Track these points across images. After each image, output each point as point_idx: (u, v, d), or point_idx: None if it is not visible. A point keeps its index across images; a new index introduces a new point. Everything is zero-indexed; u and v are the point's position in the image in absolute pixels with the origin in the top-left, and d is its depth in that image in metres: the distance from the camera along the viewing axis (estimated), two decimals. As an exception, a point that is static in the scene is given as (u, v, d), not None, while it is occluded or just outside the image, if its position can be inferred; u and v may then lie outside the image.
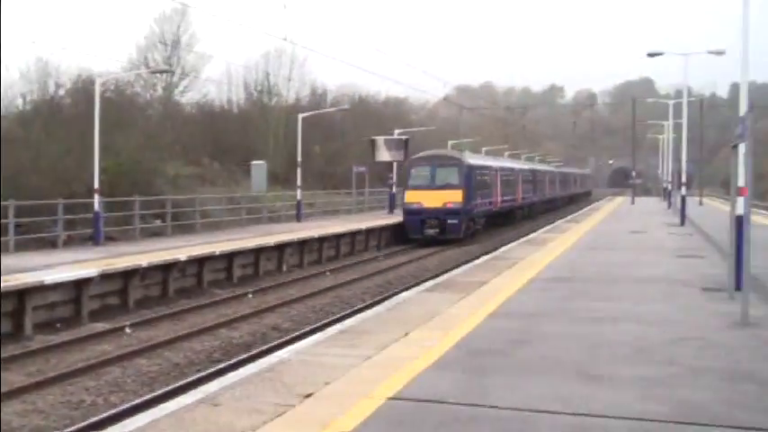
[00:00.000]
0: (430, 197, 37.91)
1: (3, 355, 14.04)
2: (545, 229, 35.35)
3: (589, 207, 63.38)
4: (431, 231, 37.67)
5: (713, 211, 46.86)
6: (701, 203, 62.07)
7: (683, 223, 35.39)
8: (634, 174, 72.48)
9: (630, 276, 16.87)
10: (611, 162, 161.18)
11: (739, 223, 12.03)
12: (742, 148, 11.75)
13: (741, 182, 11.99)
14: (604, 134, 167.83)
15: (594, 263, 19.63)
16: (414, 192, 38.50)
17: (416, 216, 37.88)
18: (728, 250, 13.40)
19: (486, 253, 26.21)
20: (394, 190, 48.14)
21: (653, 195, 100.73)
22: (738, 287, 11.94)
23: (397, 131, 51.34)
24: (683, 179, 39.46)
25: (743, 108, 12.23)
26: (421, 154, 41.16)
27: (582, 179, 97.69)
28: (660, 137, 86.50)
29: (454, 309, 12.71)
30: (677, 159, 46.23)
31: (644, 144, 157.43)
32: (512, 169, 53.53)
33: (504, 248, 25.49)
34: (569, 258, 20.97)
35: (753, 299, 12.66)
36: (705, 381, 8.11)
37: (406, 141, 46.16)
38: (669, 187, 59.53)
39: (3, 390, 11.79)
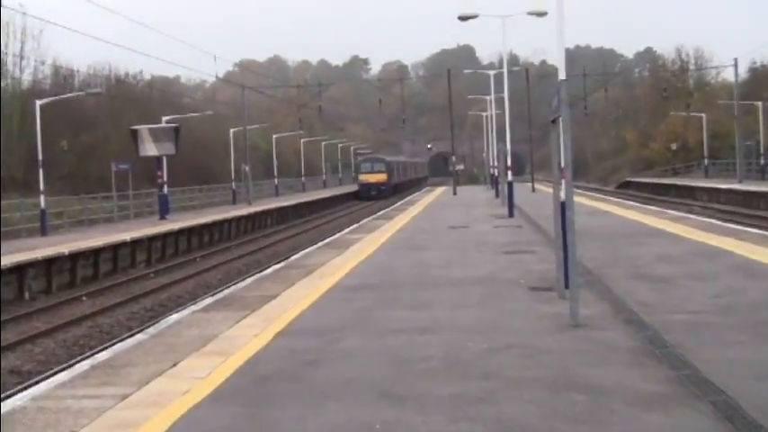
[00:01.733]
0: (372, 177, 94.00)
1: None
2: (351, 227, 35.84)
3: (403, 201, 64.70)
4: (373, 193, 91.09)
5: (547, 199, 48.79)
6: (533, 190, 64.61)
7: (511, 214, 36.70)
8: (454, 159, 74.35)
9: (448, 279, 17.34)
10: (429, 146, 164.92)
11: (563, 211, 12.56)
12: (560, 123, 12.27)
13: (562, 162, 12.52)
14: (419, 113, 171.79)
15: (406, 265, 20.04)
16: (364, 175, 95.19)
17: (366, 187, 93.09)
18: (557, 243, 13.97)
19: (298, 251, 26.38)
20: (165, 190, 47.55)
21: (481, 183, 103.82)
22: (568, 284, 12.47)
23: (165, 119, 50.82)
24: (509, 162, 40.84)
25: (561, 76, 12.76)
26: (364, 157, 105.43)
27: (422, 166, 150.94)
28: (484, 114, 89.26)
29: (236, 329, 12.71)
30: (504, 140, 47.78)
31: (466, 123, 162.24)
32: (398, 162, 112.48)
33: (298, 255, 25.65)
34: (377, 261, 21.34)
35: (585, 296, 13.31)
36: (527, 393, 8.46)
37: (177, 130, 45.74)
38: (496, 173, 61.42)
39: None
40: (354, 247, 25.70)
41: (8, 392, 14.94)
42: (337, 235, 32.99)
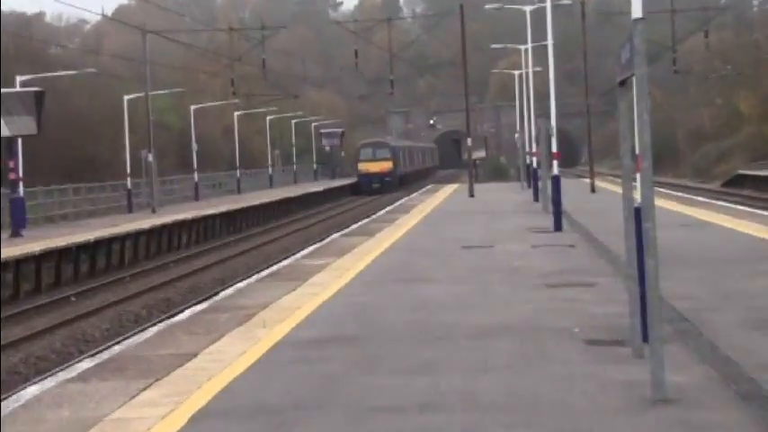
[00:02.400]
0: (374, 166, 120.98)
1: None
2: (311, 249, 35.88)
3: (394, 205, 64.86)
4: (376, 186, 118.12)
5: (613, 204, 48.78)
6: (593, 190, 64.73)
7: (558, 227, 36.69)
8: (470, 142, 74.07)
9: (462, 326, 17.36)
10: (431, 122, 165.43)
11: (638, 222, 12.46)
12: (635, 86, 12.20)
13: (636, 146, 12.42)
14: (416, 73, 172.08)
15: (398, 307, 20.10)
16: (364, 163, 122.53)
17: (366, 178, 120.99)
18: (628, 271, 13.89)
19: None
20: (21, 191, 47.43)
21: (511, 179, 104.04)
22: (648, 336, 12.37)
23: (20, 79, 50.76)
24: (555, 147, 40.77)
25: (636, 14, 12.69)
26: (365, 141, 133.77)
27: (432, 153, 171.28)
28: (516, 73, 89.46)
29: (131, 409, 12.62)
30: (546, 113, 47.84)
31: (489, 88, 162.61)
32: (405, 147, 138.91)
33: (228, 291, 25.60)
34: (352, 300, 21.35)
35: (676, 354, 13.24)
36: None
37: (40, 96, 45.61)
38: (535, 164, 61.39)
39: None
40: (316, 278, 25.72)
41: None
42: (290, 260, 33.03)
